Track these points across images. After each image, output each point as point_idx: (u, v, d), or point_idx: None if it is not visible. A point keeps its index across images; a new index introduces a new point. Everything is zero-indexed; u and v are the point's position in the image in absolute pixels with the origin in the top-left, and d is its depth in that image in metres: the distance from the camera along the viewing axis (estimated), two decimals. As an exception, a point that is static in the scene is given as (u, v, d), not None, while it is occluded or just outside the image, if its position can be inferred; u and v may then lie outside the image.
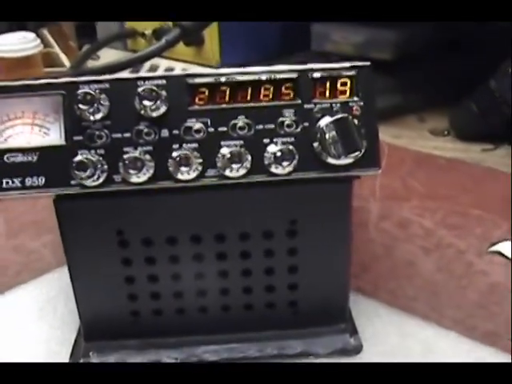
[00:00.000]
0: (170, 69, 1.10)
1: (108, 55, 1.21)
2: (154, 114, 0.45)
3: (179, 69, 1.09)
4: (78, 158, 0.44)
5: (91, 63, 1.18)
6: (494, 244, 0.69)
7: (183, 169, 0.45)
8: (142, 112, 0.45)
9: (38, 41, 1.03)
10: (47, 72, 1.09)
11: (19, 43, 1.01)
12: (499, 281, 0.64)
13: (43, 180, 0.46)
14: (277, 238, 0.52)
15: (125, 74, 0.47)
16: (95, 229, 0.50)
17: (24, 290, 0.64)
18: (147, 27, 1.14)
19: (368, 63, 0.48)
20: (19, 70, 1.03)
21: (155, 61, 1.08)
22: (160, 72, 1.11)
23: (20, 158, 0.46)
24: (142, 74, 0.46)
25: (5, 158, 0.46)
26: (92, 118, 0.45)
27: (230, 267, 0.53)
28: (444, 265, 0.67)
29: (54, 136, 0.46)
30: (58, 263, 0.67)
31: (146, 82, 0.46)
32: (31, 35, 1.03)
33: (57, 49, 1.21)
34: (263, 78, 0.47)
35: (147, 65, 1.12)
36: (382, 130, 0.97)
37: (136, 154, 0.45)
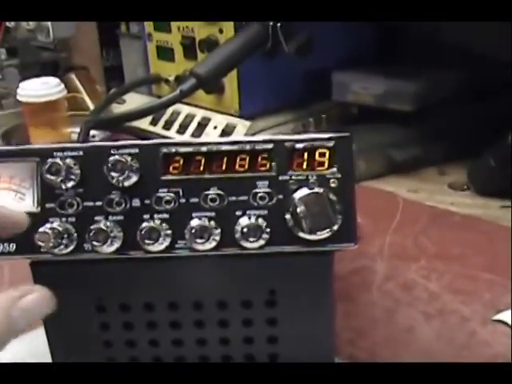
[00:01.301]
0: (191, 115, 1.11)
1: (133, 99, 1.22)
2: (126, 184, 0.45)
3: (200, 116, 1.10)
4: (43, 228, 0.44)
5: (117, 107, 1.20)
6: (499, 311, 0.67)
7: (151, 241, 0.45)
8: (114, 181, 0.45)
9: (62, 86, 1.05)
10: (70, 115, 1.11)
11: (42, 89, 1.03)
12: (501, 352, 0.62)
13: (14, 246, 0.46)
14: (255, 307, 0.51)
15: (98, 143, 0.46)
16: (71, 293, 0.50)
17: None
18: (171, 73, 1.15)
19: (347, 134, 0.47)
20: (42, 115, 1.05)
21: (177, 107, 1.09)
22: (181, 118, 1.12)
23: (-6, 224, 0.46)
24: (115, 143, 0.46)
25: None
26: (64, 186, 0.45)
27: (207, 335, 0.52)
28: (445, 332, 0.65)
29: (29, 202, 0.46)
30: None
31: (118, 151, 0.45)
32: (55, 80, 1.05)
33: (83, 93, 1.23)
34: (240, 148, 0.46)
35: (169, 111, 1.12)
36: (399, 184, 0.97)
37: (104, 225, 0.45)
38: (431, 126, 1.02)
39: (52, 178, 0.45)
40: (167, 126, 1.13)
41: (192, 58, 1.10)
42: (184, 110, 1.12)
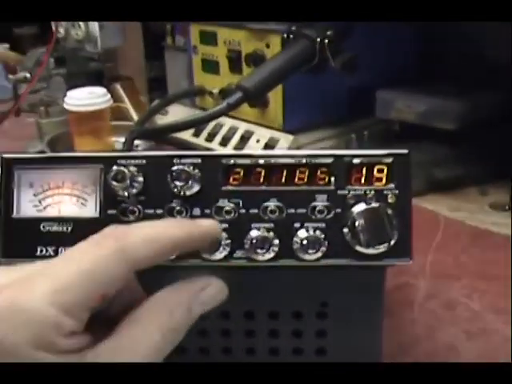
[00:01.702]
0: (235, 128, 1.12)
1: (176, 111, 1.24)
2: (187, 193, 0.46)
3: (243, 129, 1.11)
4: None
5: (160, 118, 1.21)
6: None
7: (211, 250, 0.46)
8: (175, 190, 0.46)
9: (108, 96, 1.06)
10: (115, 125, 1.12)
11: (89, 98, 1.04)
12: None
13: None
14: (306, 318, 0.52)
15: (161, 152, 0.47)
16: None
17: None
18: (215, 86, 1.16)
19: (406, 151, 0.48)
20: (88, 124, 1.06)
21: (220, 119, 1.10)
22: (224, 130, 1.13)
23: (55, 228, 0.47)
24: (178, 152, 0.47)
25: (41, 226, 0.47)
26: (126, 193, 0.46)
27: (257, 344, 0.53)
28: (487, 352, 0.65)
29: (90, 207, 0.48)
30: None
31: (181, 161, 0.46)
32: (101, 90, 1.06)
33: (127, 103, 1.25)
34: (299, 161, 0.47)
35: (213, 123, 1.13)
36: (440, 202, 0.97)
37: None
38: (473, 146, 1.02)
39: (116, 184, 0.46)
40: (210, 138, 1.14)
41: (237, 71, 1.11)
42: (227, 122, 1.13)
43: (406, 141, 1.05)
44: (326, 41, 0.91)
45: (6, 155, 0.49)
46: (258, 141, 1.07)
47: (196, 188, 0.46)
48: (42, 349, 0.35)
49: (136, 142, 0.96)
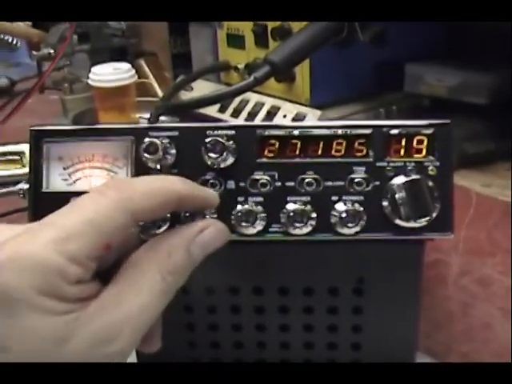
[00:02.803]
0: (260, 103, 1.10)
1: (201, 86, 1.22)
2: (221, 165, 0.45)
3: (269, 104, 1.09)
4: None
5: (184, 94, 1.20)
6: None
7: (246, 224, 0.44)
8: (209, 162, 0.45)
9: (133, 71, 1.05)
10: (139, 101, 1.11)
11: (114, 74, 1.03)
12: None
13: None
14: (342, 295, 0.50)
15: (194, 124, 0.46)
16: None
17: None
18: (241, 61, 1.14)
19: (448, 121, 0.46)
20: (112, 99, 1.05)
21: (246, 95, 1.08)
22: (250, 106, 1.12)
23: (86, 202, 0.46)
24: (211, 124, 0.45)
25: (71, 200, 0.46)
26: (158, 165, 0.45)
27: (291, 321, 0.52)
28: (525, 330, 0.63)
29: (122, 180, 0.46)
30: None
31: (215, 132, 0.45)
32: (126, 66, 1.05)
33: (152, 79, 1.23)
34: (337, 132, 0.46)
35: (238, 98, 1.12)
36: (471, 178, 0.95)
37: (198, 205, 0.44)
38: (506, 120, 0.99)
39: (149, 157, 0.44)
40: (235, 113, 1.12)
41: (263, 45, 1.09)
42: (253, 97, 1.11)
43: (435, 115, 1.03)
44: (355, 13, 0.89)
45: (34, 127, 0.48)
46: (284, 116, 1.05)
47: (230, 160, 0.45)
48: (47, 295, 0.35)
49: (161, 117, 0.95)
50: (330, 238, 0.45)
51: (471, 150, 0.97)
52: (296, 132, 0.46)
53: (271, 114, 1.07)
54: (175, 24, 1.33)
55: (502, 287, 0.70)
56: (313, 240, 0.45)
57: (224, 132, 0.45)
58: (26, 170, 0.98)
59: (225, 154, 0.44)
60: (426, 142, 0.45)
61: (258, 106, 1.10)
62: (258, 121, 1.08)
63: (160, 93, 1.22)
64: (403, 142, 0.45)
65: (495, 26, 1.10)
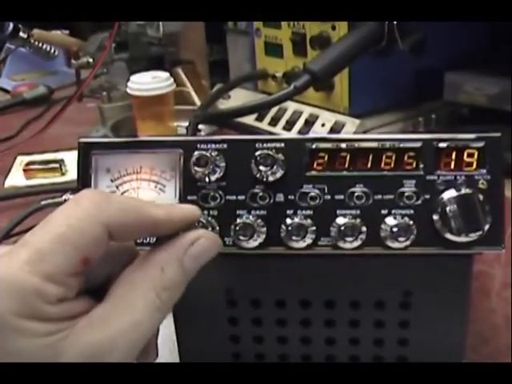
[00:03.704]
0: (299, 112, 1.10)
1: (239, 95, 1.22)
2: (271, 178, 0.45)
3: (307, 112, 1.09)
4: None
5: (222, 102, 1.20)
6: None
7: (296, 237, 0.44)
8: (258, 175, 0.45)
9: (171, 80, 1.06)
10: (177, 110, 1.12)
11: (152, 82, 1.04)
12: None
13: (154, 238, 0.46)
14: (389, 308, 0.50)
15: (243, 136, 0.46)
16: (203, 285, 0.50)
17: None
18: (278, 70, 1.15)
19: (498, 134, 0.45)
20: (151, 108, 1.06)
21: (284, 104, 1.08)
22: (288, 114, 1.12)
23: (133, 214, 0.46)
24: (260, 136, 0.45)
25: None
26: (207, 178, 0.45)
27: (337, 335, 0.51)
28: None
29: (170, 193, 0.46)
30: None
31: (264, 145, 0.45)
32: (165, 75, 1.06)
33: (189, 87, 1.24)
34: (386, 145, 0.45)
35: (276, 108, 1.12)
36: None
37: (248, 219, 0.44)
38: (547, 130, 0.98)
39: (199, 170, 0.44)
40: (273, 122, 1.12)
41: (302, 54, 1.09)
42: (291, 106, 1.11)
43: (475, 124, 1.02)
44: (395, 22, 0.89)
45: (82, 140, 0.48)
46: (323, 125, 1.05)
47: (279, 173, 0.45)
48: (27, 317, 0.34)
49: (199, 126, 0.96)
50: (379, 252, 0.45)
51: (512, 159, 0.96)
52: (344, 145, 0.45)
53: (309, 123, 1.07)
54: (212, 32, 1.34)
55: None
56: (362, 254, 0.45)
57: (273, 145, 0.45)
58: (66, 178, 1.00)
59: (274, 167, 0.44)
60: (476, 155, 0.45)
61: (296, 114, 1.10)
62: (296, 129, 1.08)
63: (198, 101, 1.22)
64: (453, 156, 0.45)
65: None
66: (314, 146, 0.45)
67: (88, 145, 0.48)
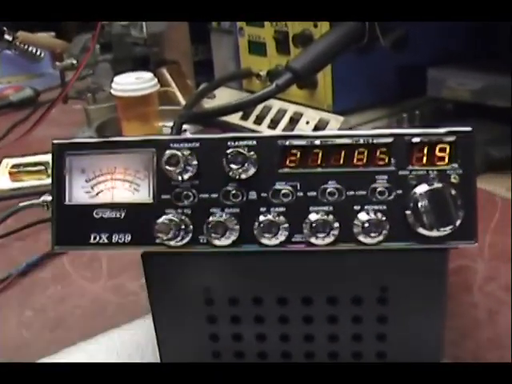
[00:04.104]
0: (283, 110, 1.10)
1: (223, 94, 1.23)
2: (243, 176, 0.45)
3: (291, 110, 1.09)
4: (162, 219, 0.45)
5: (207, 101, 1.20)
6: None
7: (269, 234, 0.44)
8: (231, 173, 0.45)
9: (155, 80, 1.06)
10: (162, 110, 1.12)
11: (136, 83, 1.04)
12: None
13: (129, 237, 0.46)
14: (366, 304, 0.50)
15: (215, 135, 0.46)
16: (181, 285, 0.50)
17: (116, 334, 0.65)
18: (262, 68, 1.15)
19: (470, 128, 0.45)
20: (136, 109, 1.06)
21: (269, 102, 1.08)
22: (272, 112, 1.12)
23: (108, 214, 0.46)
24: (231, 134, 0.45)
25: (94, 213, 0.47)
26: (180, 177, 0.45)
27: (315, 331, 0.51)
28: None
29: (144, 193, 0.47)
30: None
31: (236, 143, 0.45)
32: (148, 75, 1.06)
33: (174, 87, 1.24)
34: (358, 141, 0.45)
35: (261, 105, 1.12)
36: (496, 182, 0.95)
37: (221, 218, 0.44)
38: (531, 123, 0.99)
39: (171, 169, 0.45)
40: (258, 120, 1.13)
41: (285, 52, 1.09)
42: (275, 104, 1.11)
43: (459, 119, 1.02)
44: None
45: (56, 141, 0.48)
46: (307, 122, 1.05)
47: (252, 171, 0.45)
48: None
49: (184, 126, 0.96)
50: (352, 248, 0.45)
51: (496, 154, 0.97)
52: (317, 142, 0.46)
53: (294, 121, 1.07)
54: (196, 32, 1.34)
55: (529, 293, 0.69)
56: (335, 250, 0.45)
57: (245, 143, 0.45)
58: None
59: (246, 164, 0.44)
60: (448, 150, 0.45)
61: (281, 112, 1.10)
62: (280, 127, 1.08)
63: (183, 101, 1.22)
64: (425, 151, 0.45)
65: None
66: (285, 143, 0.45)
67: (62, 146, 0.48)
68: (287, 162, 0.46)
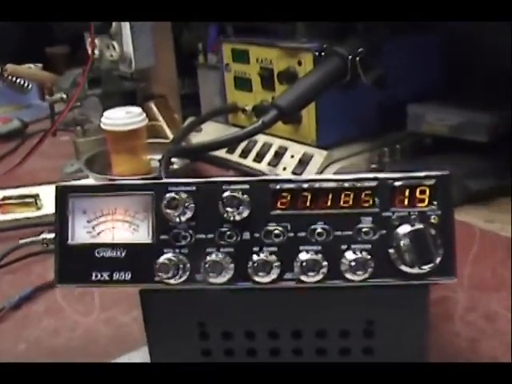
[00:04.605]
0: (268, 144, 1.13)
1: (210, 128, 1.26)
2: (237, 218, 0.48)
3: (276, 145, 1.12)
4: (162, 259, 0.47)
5: (194, 135, 1.23)
6: None
7: (262, 273, 0.47)
8: (226, 215, 0.48)
9: (144, 115, 1.08)
10: (150, 143, 1.14)
11: (126, 118, 1.06)
12: None
13: (129, 275, 0.49)
14: (353, 337, 0.53)
15: (210, 179, 0.49)
16: (177, 320, 0.52)
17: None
18: (248, 103, 1.18)
19: (447, 172, 0.49)
20: (125, 142, 1.08)
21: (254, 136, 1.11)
22: (258, 146, 1.15)
23: (109, 253, 0.49)
24: (226, 178, 0.48)
25: (95, 252, 0.49)
26: (178, 219, 0.48)
27: (305, 363, 0.54)
28: (530, 364, 0.65)
29: (143, 233, 0.49)
30: (144, 341, 0.69)
31: (230, 187, 0.48)
32: (137, 110, 1.08)
33: (161, 121, 1.27)
34: (344, 185, 0.49)
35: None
36: (474, 214, 0.98)
37: (217, 257, 0.47)
38: (506, 157, 1.02)
39: (170, 211, 0.48)
40: (244, 154, 1.16)
41: (270, 88, 1.13)
42: (261, 138, 1.14)
43: (438, 153, 1.06)
44: (358, 58, 0.93)
45: (60, 184, 0.51)
46: (292, 156, 1.08)
47: (246, 213, 0.48)
48: None
49: (172, 159, 0.99)
50: (340, 285, 0.48)
51: (474, 186, 1.00)
52: (306, 185, 0.49)
53: (279, 155, 1.10)
54: (183, 66, 1.37)
55: (508, 322, 0.72)
56: (325, 287, 0.48)
57: (239, 186, 0.48)
58: (41, 212, 1.02)
59: (240, 207, 0.47)
60: (427, 192, 0.48)
61: (266, 146, 1.13)
62: (266, 161, 1.11)
63: (170, 134, 1.25)
64: (407, 193, 0.48)
65: (495, 65, 1.13)
66: (276, 187, 0.48)
67: (65, 188, 0.50)
68: (278, 205, 0.49)
